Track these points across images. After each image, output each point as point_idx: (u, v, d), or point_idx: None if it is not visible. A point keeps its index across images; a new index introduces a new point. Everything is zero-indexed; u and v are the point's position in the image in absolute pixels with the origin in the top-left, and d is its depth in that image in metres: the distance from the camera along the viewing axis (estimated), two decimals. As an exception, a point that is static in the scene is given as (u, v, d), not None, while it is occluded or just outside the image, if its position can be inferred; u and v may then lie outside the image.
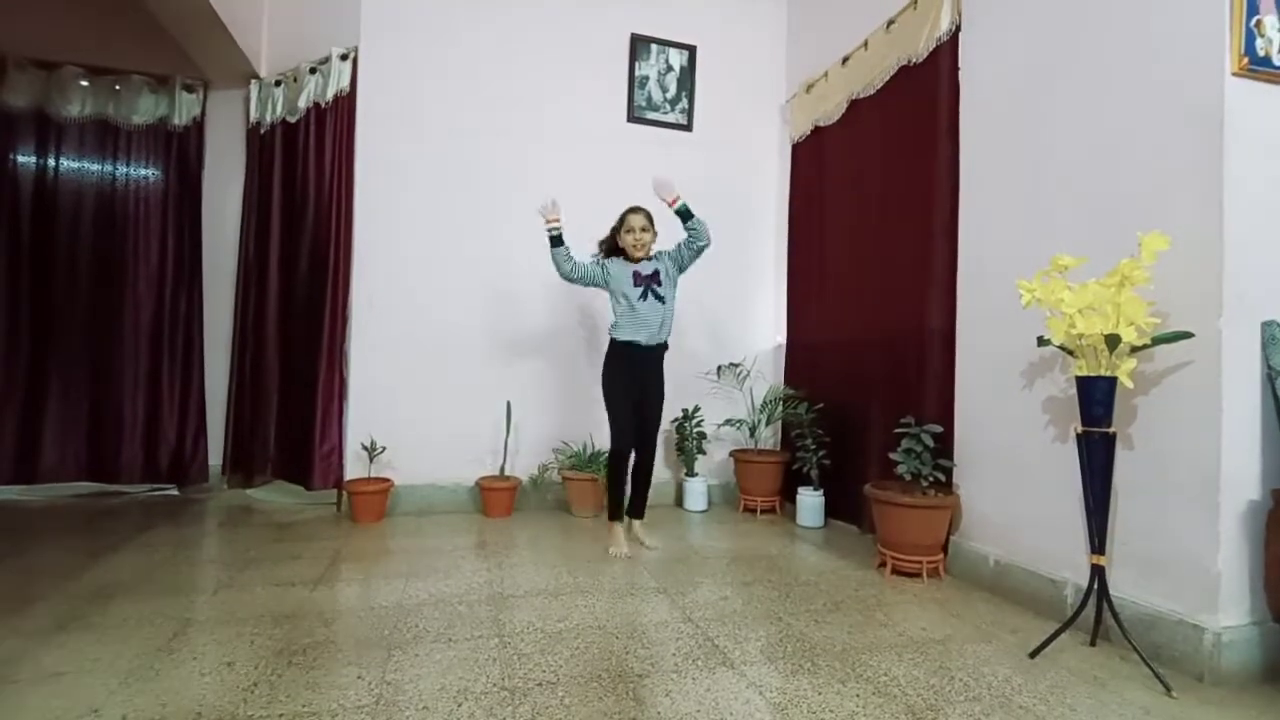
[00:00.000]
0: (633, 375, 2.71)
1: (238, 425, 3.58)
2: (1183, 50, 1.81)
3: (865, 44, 3.19)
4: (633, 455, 2.75)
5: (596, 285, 2.78)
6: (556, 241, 2.72)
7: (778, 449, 3.78)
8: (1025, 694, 1.59)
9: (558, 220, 2.72)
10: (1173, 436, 1.79)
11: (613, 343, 2.75)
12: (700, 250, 2.68)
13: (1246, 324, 1.71)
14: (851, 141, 3.33)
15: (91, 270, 3.57)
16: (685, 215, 2.64)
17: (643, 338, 2.68)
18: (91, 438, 3.56)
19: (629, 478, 2.78)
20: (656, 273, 2.71)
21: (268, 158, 3.57)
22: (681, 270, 2.75)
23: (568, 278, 2.75)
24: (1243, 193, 1.70)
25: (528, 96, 3.60)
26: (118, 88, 3.61)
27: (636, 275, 2.69)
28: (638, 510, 2.86)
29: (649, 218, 2.73)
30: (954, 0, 2.64)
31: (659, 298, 2.69)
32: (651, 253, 2.76)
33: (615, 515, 2.77)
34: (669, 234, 2.82)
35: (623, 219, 2.74)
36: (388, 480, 3.24)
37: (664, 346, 2.77)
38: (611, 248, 2.77)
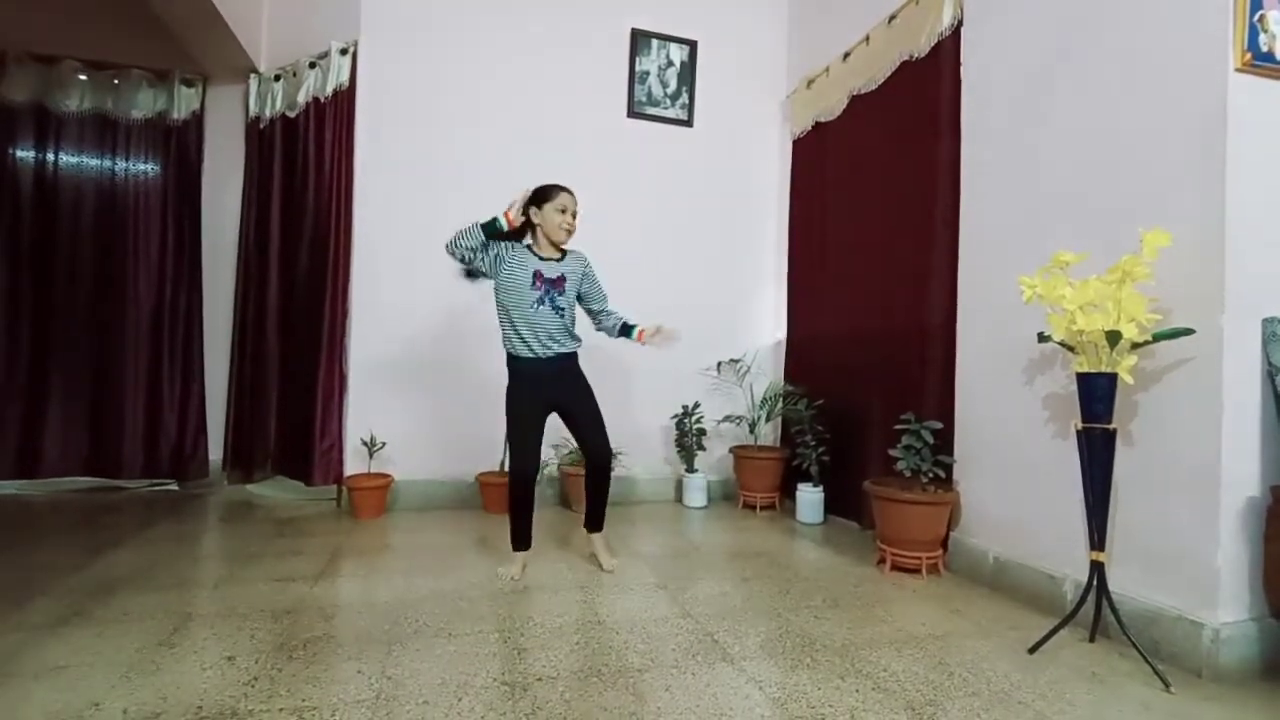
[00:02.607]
0: (540, 391, 2.31)
1: (238, 421, 3.58)
2: (1186, 45, 1.80)
3: (867, 39, 3.18)
4: (585, 465, 2.47)
5: (481, 275, 2.32)
6: (491, 229, 2.25)
7: (777, 445, 3.78)
8: (1024, 690, 1.59)
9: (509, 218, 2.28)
10: (1173, 433, 1.79)
11: (509, 359, 2.34)
12: (594, 324, 2.49)
13: (1248, 320, 1.71)
14: (852, 137, 3.32)
15: (91, 265, 3.57)
16: (626, 332, 2.44)
17: (540, 351, 2.28)
18: (92, 433, 3.57)
19: (587, 489, 2.46)
20: (562, 278, 2.31)
21: (267, 152, 3.56)
22: (578, 301, 2.43)
23: (463, 258, 2.26)
24: (1245, 189, 1.69)
25: (527, 91, 3.59)
26: (116, 82, 3.60)
27: (538, 276, 2.26)
28: (595, 523, 2.46)
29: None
30: (956, -5, 2.64)
31: (556, 309, 2.30)
32: (567, 249, 2.38)
33: (517, 545, 2.34)
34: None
35: (551, 193, 2.28)
36: (387, 476, 3.25)
37: (573, 355, 2.39)
38: (509, 231, 2.26)
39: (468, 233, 2.23)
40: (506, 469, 2.31)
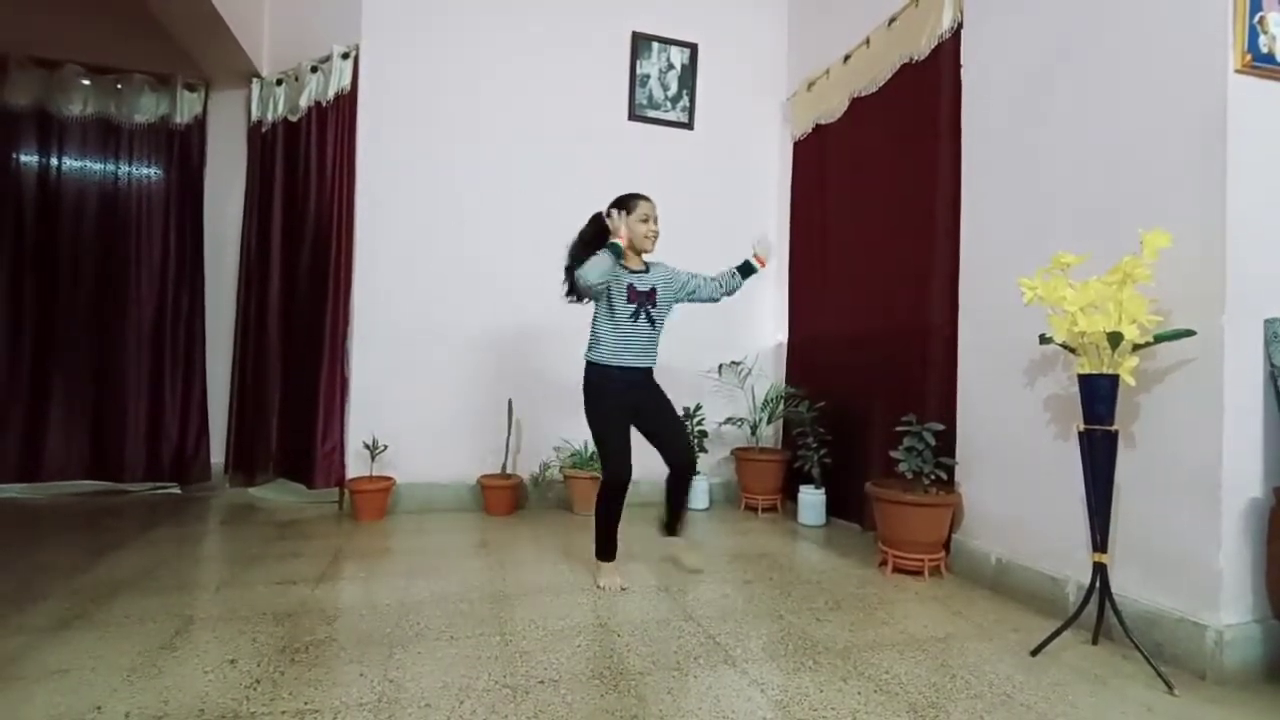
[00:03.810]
0: (626, 395, 2.29)
1: (240, 424, 3.58)
2: (1186, 46, 1.80)
3: (867, 41, 3.18)
4: (661, 472, 2.41)
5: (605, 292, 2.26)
6: (619, 253, 2.18)
7: (779, 447, 3.78)
8: (1027, 692, 1.59)
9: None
10: (1175, 434, 1.78)
11: (594, 367, 2.28)
12: (714, 300, 2.48)
13: (1249, 321, 1.71)
14: (853, 139, 3.32)
15: (94, 269, 3.57)
16: (748, 272, 2.46)
17: (630, 361, 2.28)
18: (95, 436, 3.57)
19: (667, 494, 2.43)
20: (654, 291, 2.30)
21: (269, 157, 3.57)
22: (677, 302, 2.42)
23: (595, 288, 2.17)
24: (1245, 190, 1.70)
25: (528, 94, 3.60)
26: (119, 86, 3.61)
27: (631, 290, 2.25)
28: (675, 528, 2.48)
29: None
30: (956, -3, 2.64)
31: (651, 321, 2.30)
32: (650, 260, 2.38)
33: (607, 555, 2.31)
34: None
35: (634, 203, 2.25)
36: (389, 479, 3.25)
37: (652, 369, 2.38)
38: (593, 243, 2.24)
39: (599, 266, 2.12)
40: (600, 475, 2.33)
